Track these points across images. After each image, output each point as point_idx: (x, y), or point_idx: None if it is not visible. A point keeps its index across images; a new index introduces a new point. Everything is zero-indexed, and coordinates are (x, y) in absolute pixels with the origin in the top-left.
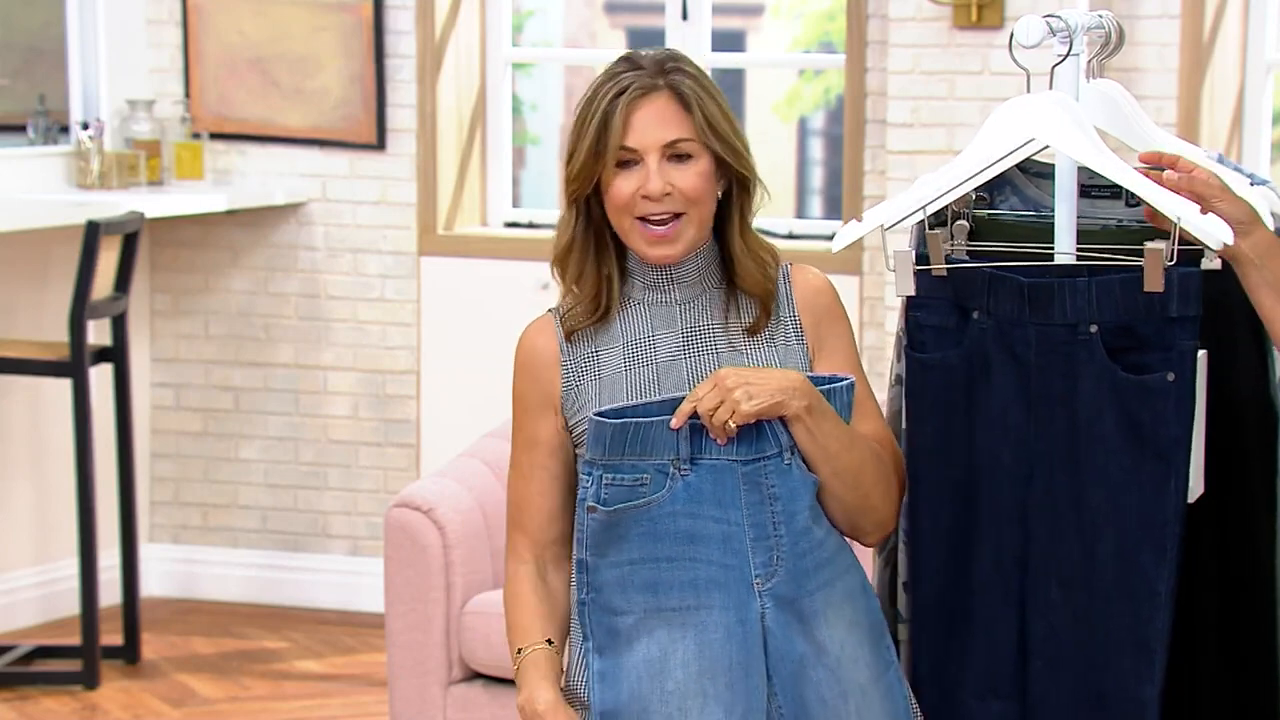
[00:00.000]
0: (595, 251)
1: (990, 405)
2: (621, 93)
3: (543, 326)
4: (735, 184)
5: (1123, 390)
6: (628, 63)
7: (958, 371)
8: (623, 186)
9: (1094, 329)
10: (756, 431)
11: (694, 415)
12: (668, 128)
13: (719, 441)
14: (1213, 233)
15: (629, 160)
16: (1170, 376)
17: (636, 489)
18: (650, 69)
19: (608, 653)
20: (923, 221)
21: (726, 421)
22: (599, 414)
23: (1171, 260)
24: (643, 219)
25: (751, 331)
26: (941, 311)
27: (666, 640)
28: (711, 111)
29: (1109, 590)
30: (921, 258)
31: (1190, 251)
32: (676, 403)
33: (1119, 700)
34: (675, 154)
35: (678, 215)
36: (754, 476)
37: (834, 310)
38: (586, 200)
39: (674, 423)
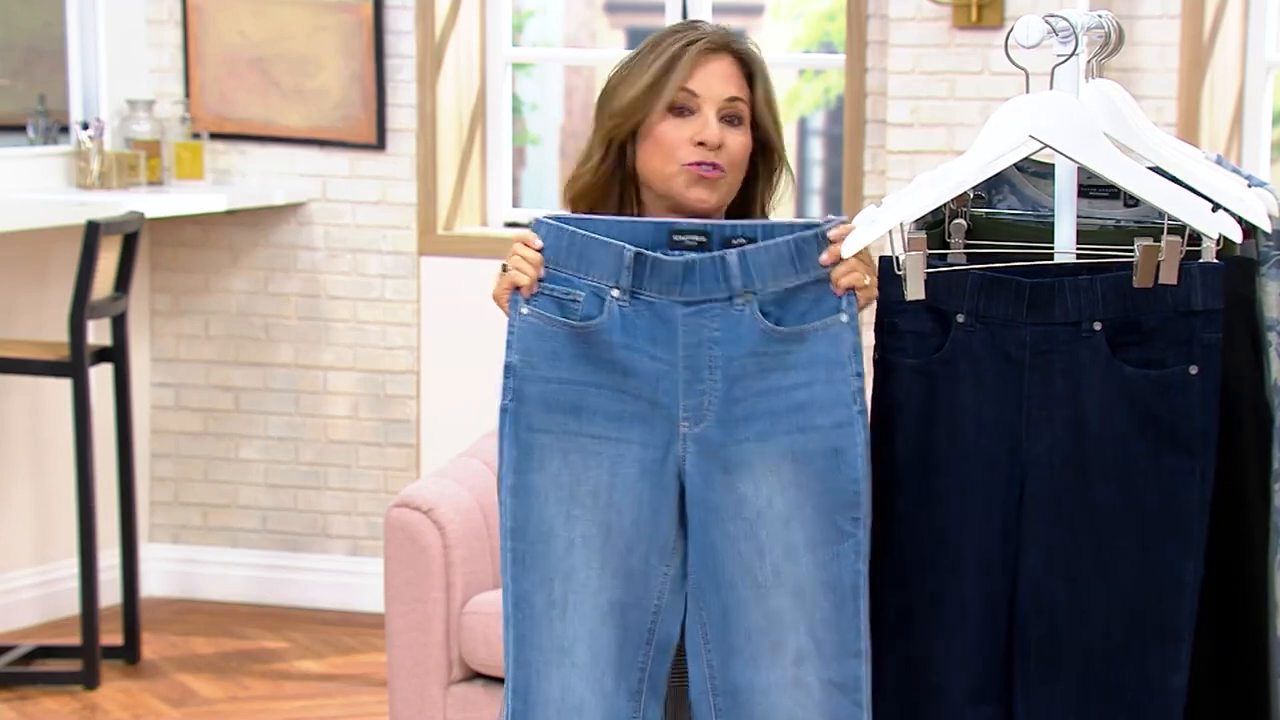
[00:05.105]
0: (619, 200)
1: (980, 408)
2: (692, 43)
3: None
4: (760, 171)
5: (1134, 386)
6: (692, 26)
7: (939, 376)
8: (674, 131)
9: (1098, 326)
10: (709, 272)
11: (675, 242)
12: (730, 85)
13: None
14: (1223, 230)
15: (684, 107)
16: (1193, 370)
17: (567, 304)
18: (717, 35)
19: (521, 469)
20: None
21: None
22: (549, 216)
23: (1181, 255)
24: (695, 164)
25: None
26: (919, 316)
27: (580, 466)
28: (768, 91)
29: (1130, 584)
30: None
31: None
32: (626, 226)
33: (1145, 692)
34: (729, 114)
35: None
36: (695, 318)
37: None
38: (620, 149)
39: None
